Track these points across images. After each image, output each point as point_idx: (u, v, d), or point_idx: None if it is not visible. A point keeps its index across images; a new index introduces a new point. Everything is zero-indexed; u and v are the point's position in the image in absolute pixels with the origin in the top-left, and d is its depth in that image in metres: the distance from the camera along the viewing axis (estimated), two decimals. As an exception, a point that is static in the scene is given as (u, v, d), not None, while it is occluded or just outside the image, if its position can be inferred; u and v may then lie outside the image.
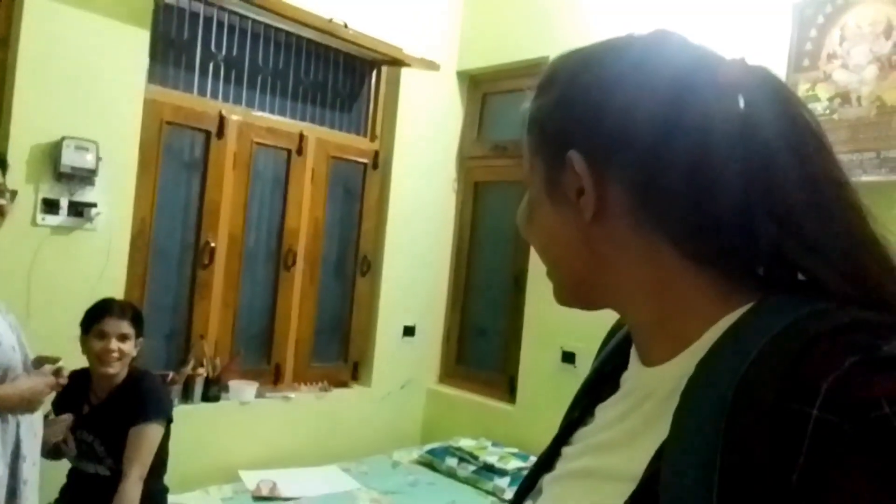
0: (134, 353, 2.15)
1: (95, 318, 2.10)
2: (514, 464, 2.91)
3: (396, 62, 3.39)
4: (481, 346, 3.72)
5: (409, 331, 3.63)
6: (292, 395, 3.19)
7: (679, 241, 0.51)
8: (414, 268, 3.62)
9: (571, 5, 3.18)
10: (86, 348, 2.10)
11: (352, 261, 3.51)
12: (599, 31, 3.11)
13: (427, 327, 3.71)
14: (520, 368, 3.33)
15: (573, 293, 0.59)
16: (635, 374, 0.57)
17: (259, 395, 3.07)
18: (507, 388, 3.41)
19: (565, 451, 0.61)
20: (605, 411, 0.59)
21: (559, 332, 3.10)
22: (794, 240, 0.48)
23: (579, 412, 0.63)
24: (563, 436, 0.63)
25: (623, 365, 0.60)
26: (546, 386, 3.17)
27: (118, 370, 2.09)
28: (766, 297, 0.48)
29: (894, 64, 2.20)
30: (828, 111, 2.28)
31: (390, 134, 3.53)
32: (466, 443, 3.12)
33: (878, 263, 0.47)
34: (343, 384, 3.46)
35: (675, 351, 0.51)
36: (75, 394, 2.09)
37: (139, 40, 2.62)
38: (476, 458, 2.98)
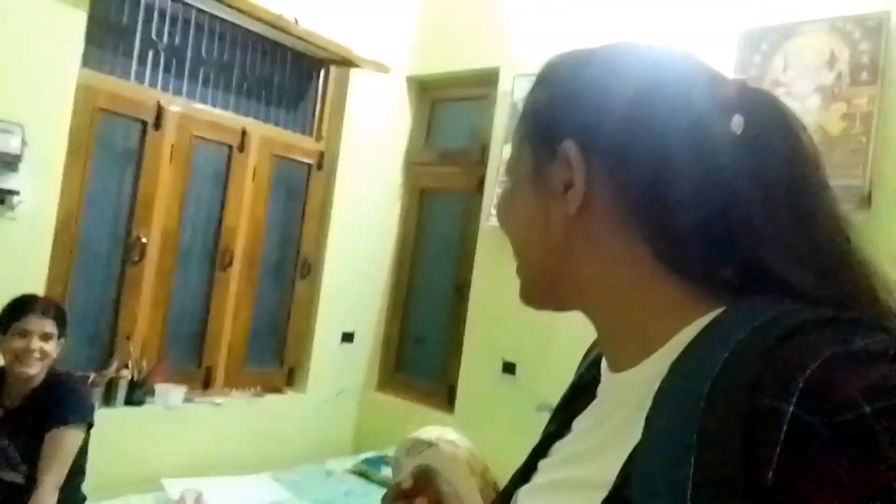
0: (55, 354, 2.01)
1: (16, 315, 1.96)
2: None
3: (346, 62, 3.33)
4: (421, 354, 3.68)
5: (347, 337, 3.56)
6: (223, 399, 3.07)
7: (654, 244, 0.51)
8: (355, 273, 3.55)
9: (526, 19, 3.19)
10: (2, 348, 1.95)
11: (291, 263, 3.41)
12: (551, 47, 3.13)
13: (366, 334, 3.64)
14: (459, 378, 3.30)
15: (542, 290, 0.59)
16: (605, 381, 0.57)
17: (187, 399, 2.94)
18: (447, 398, 3.37)
19: (542, 463, 0.61)
20: (580, 422, 0.59)
21: (500, 343, 3.09)
22: (770, 248, 0.48)
23: (556, 425, 0.63)
24: (541, 449, 0.62)
25: (599, 378, 0.60)
26: (485, 396, 3.15)
27: (38, 371, 1.96)
28: (740, 300, 0.48)
29: (836, 95, 2.28)
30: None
31: (336, 135, 3.45)
32: (403, 452, 3.06)
33: (859, 272, 0.48)
34: (277, 390, 3.35)
35: (644, 355, 0.51)
36: None
37: (75, 22, 2.48)
38: (412, 468, 2.92)
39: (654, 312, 0.51)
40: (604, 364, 0.58)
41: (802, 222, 0.48)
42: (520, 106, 3.27)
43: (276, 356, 3.40)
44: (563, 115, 0.55)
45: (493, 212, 3.07)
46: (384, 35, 3.50)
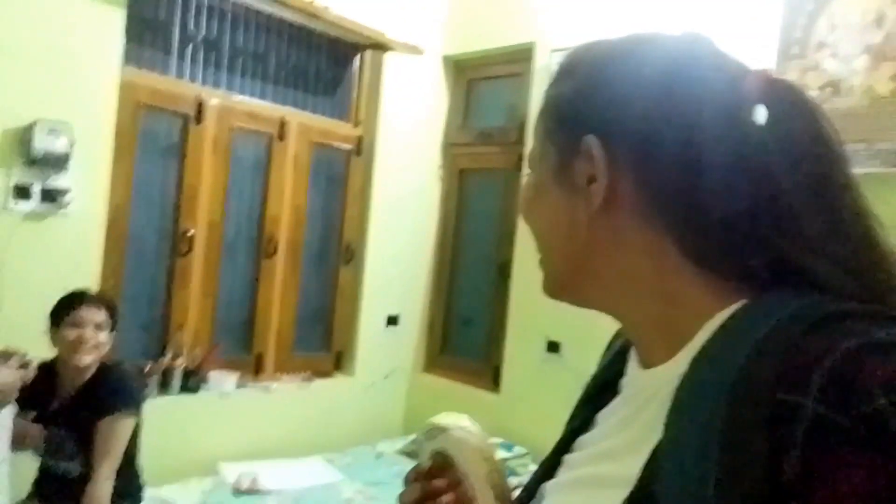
0: (108, 345, 2.08)
1: (70, 306, 2.02)
2: (498, 453, 2.88)
3: (380, 46, 3.32)
4: (466, 335, 3.69)
5: (392, 320, 3.59)
6: (274, 385, 3.14)
7: (680, 238, 0.51)
8: (398, 256, 3.57)
9: (559, -10, 3.13)
10: (57, 339, 2.02)
11: (335, 249, 3.45)
12: (585, 20, 3.09)
13: (411, 317, 3.67)
14: (504, 358, 3.30)
15: (565, 284, 0.58)
16: (635, 377, 0.57)
17: (240, 385, 3.01)
18: (492, 378, 3.38)
19: (567, 459, 0.60)
20: (606, 418, 0.59)
21: (544, 322, 3.08)
22: (797, 242, 0.47)
23: (580, 420, 0.62)
24: (565, 444, 0.62)
25: (623, 371, 0.59)
26: (530, 375, 3.15)
27: (91, 361, 2.02)
28: (763, 293, 0.48)
29: (886, 55, 2.18)
30: (818, 101, 2.26)
31: (374, 120, 3.46)
32: (451, 433, 3.08)
33: (885, 268, 0.47)
34: (326, 374, 3.41)
35: (674, 350, 0.50)
36: (41, 389, 2.01)
37: (114, 20, 2.53)
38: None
39: (682, 307, 0.51)
40: (632, 358, 0.58)
41: (829, 216, 0.47)
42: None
43: (323, 341, 3.46)
44: (585, 109, 0.55)
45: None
46: (416, 17, 3.48)
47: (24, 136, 2.32)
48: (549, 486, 0.60)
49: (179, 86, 2.85)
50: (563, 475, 0.59)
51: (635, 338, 0.57)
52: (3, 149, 2.30)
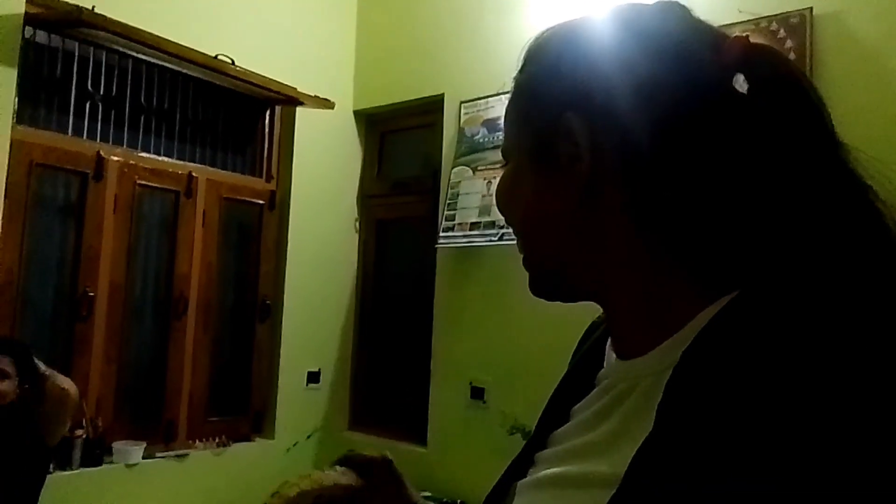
0: (12, 395, 1.96)
1: None
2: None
3: (289, 100, 3.32)
4: (391, 387, 3.61)
5: (313, 377, 3.48)
6: (186, 453, 2.96)
7: (666, 224, 0.49)
8: (316, 310, 3.49)
9: (466, 41, 3.22)
10: None
11: (250, 306, 3.35)
12: (494, 68, 3.17)
13: (333, 372, 3.57)
14: (429, 408, 3.23)
15: (551, 277, 0.56)
16: (613, 369, 0.54)
17: (148, 455, 2.83)
18: (418, 430, 3.30)
19: (539, 456, 0.57)
20: (582, 412, 0.55)
21: (468, 367, 3.04)
22: (787, 226, 0.45)
23: (552, 415, 0.60)
24: (537, 441, 0.59)
25: (599, 364, 0.57)
26: (456, 424, 3.09)
27: None
28: (752, 286, 0.45)
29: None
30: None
31: (287, 174, 3.43)
32: (377, 491, 2.97)
33: (881, 240, 0.43)
34: (244, 437, 3.26)
35: (656, 341, 0.48)
36: None
37: (5, 78, 2.44)
38: (388, 505, 2.84)
39: (668, 296, 0.49)
40: (609, 350, 0.56)
41: (820, 189, 0.44)
42: (467, 131, 3.23)
43: (240, 403, 3.31)
44: (561, 87, 0.52)
45: (442, 236, 3.09)
46: (325, 71, 3.52)
47: None
48: (522, 484, 0.56)
49: (77, 144, 2.75)
50: (537, 472, 0.56)
51: (617, 325, 0.54)
52: None
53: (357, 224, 3.70)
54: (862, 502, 0.34)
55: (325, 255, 3.54)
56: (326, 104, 3.41)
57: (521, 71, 0.57)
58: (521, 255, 0.57)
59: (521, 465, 0.58)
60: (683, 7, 0.52)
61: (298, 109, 3.40)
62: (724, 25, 2.33)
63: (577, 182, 0.50)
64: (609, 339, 0.57)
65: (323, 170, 3.53)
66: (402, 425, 3.39)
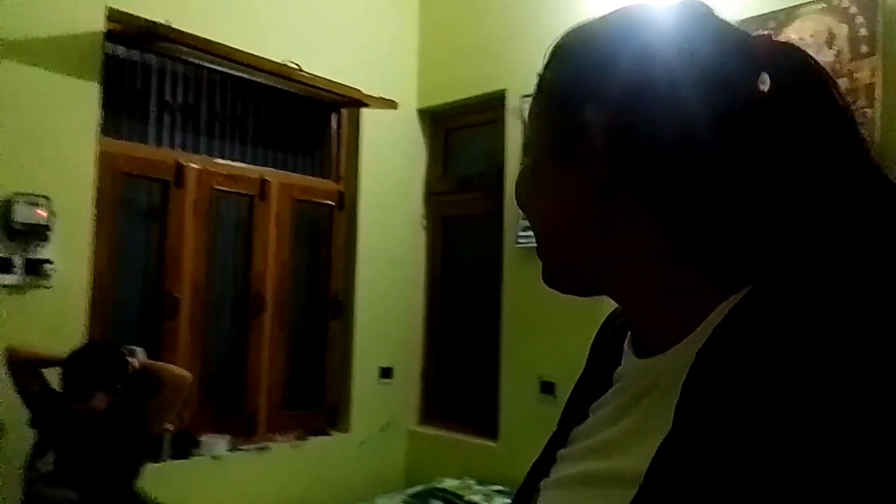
0: None
1: None
2: (498, 501, 2.82)
3: (354, 102, 3.39)
4: (461, 382, 3.65)
5: (385, 372, 3.55)
6: (268, 446, 3.08)
7: (684, 220, 0.49)
8: (387, 307, 3.56)
9: (526, 37, 3.21)
10: None
11: (322, 303, 3.45)
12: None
13: (404, 367, 3.64)
14: (500, 403, 3.26)
15: (567, 271, 0.56)
16: (631, 367, 0.54)
17: (232, 448, 2.97)
18: (489, 424, 3.33)
19: (561, 454, 0.58)
20: (601, 409, 0.56)
21: (537, 363, 3.05)
22: (804, 217, 0.45)
23: (572, 412, 0.60)
24: (559, 439, 0.60)
25: (616, 361, 0.57)
26: (527, 419, 3.10)
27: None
28: (767, 281, 0.45)
29: (838, 71, 2.23)
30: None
31: (354, 174, 3.51)
32: (450, 483, 3.04)
33: None
34: (320, 431, 3.36)
35: (675, 339, 0.48)
36: None
37: (89, 92, 2.59)
38: (461, 498, 2.89)
39: (687, 293, 0.49)
40: (627, 347, 0.56)
41: (842, 186, 0.44)
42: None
43: (315, 397, 3.42)
44: (583, 84, 0.52)
45: (521, 236, 3.10)
46: (389, 71, 3.57)
47: (3, 210, 2.35)
48: (546, 483, 0.57)
49: (158, 152, 2.90)
50: (559, 471, 0.57)
51: (636, 323, 0.55)
52: (-17, 223, 2.33)
53: (424, 221, 3.75)
54: (879, 499, 0.34)
55: (394, 252, 3.60)
56: (390, 105, 3.47)
57: (545, 67, 0.57)
58: (536, 247, 0.58)
59: (544, 464, 0.59)
60: (707, 6, 0.52)
61: (364, 110, 3.47)
62: (794, 6, 2.27)
63: (595, 177, 0.50)
64: (627, 336, 0.57)
65: (389, 169, 3.59)
66: (473, 420, 3.43)
